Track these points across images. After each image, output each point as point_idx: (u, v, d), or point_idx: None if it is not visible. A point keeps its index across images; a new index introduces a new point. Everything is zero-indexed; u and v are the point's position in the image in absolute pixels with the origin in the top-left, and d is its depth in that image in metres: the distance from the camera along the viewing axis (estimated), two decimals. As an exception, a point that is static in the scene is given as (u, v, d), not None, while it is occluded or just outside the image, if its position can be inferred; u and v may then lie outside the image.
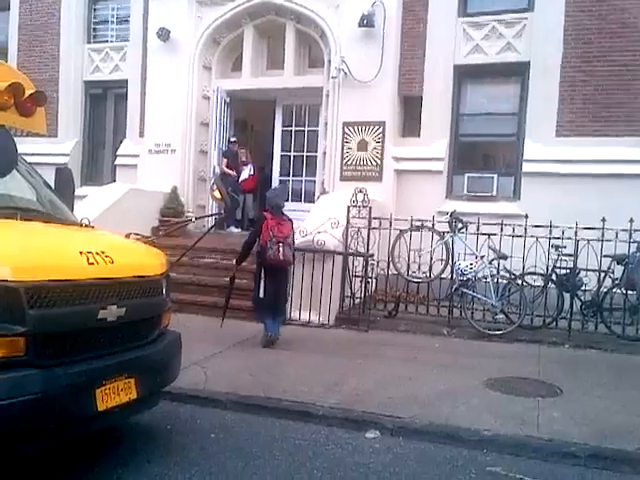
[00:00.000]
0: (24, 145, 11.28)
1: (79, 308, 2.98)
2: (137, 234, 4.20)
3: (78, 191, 11.66)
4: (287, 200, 6.96)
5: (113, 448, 3.86)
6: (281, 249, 6.47)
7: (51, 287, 2.83)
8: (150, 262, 3.69)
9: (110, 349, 3.22)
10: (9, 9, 13.03)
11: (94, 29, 12.78)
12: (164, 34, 10.95)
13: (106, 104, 12.79)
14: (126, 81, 12.10)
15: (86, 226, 4.05)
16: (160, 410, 4.15)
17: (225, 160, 11.10)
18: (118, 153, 12.18)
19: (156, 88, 11.28)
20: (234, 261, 7.15)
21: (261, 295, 6.64)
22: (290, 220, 6.85)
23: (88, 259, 3.09)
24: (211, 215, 7.47)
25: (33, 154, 10.78)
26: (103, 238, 3.78)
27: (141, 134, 11.72)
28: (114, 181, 11.79)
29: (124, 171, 11.91)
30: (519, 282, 7.62)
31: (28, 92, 4.08)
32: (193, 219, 5.95)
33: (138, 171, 11.53)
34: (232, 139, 11.34)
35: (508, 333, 7.37)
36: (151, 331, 3.62)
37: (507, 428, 4.35)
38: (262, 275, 6.67)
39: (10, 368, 2.66)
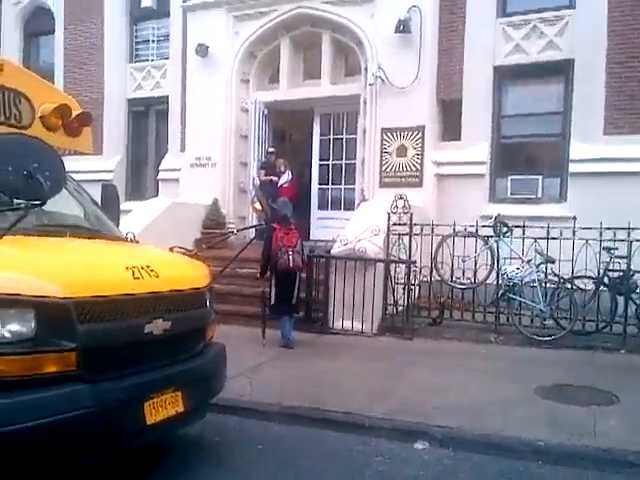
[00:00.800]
0: (70, 163, 11.69)
1: (126, 322, 3.03)
2: (180, 247, 4.24)
3: (123, 206, 11.93)
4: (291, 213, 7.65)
5: (163, 460, 3.90)
6: (291, 257, 7.01)
7: (99, 302, 2.88)
8: (194, 275, 3.72)
9: (157, 362, 3.25)
10: (54, 32, 13.56)
11: (136, 49, 13.18)
12: (202, 50, 11.17)
13: (148, 120, 13.12)
14: (167, 97, 12.40)
15: (131, 241, 4.13)
16: (208, 422, 4.17)
17: (263, 171, 11.16)
18: (160, 168, 12.46)
19: (196, 103, 11.49)
20: (257, 275, 7.50)
21: (273, 301, 7.19)
22: (297, 229, 7.39)
23: (134, 274, 3.13)
24: (252, 227, 7.54)
25: (79, 171, 11.20)
26: (148, 253, 3.85)
27: (182, 148, 11.95)
28: (157, 195, 12.05)
29: (166, 185, 12.16)
30: (568, 286, 7.37)
31: (75, 113, 4.21)
32: (235, 231, 5.98)
33: (180, 185, 11.75)
34: (270, 149, 11.41)
35: (558, 339, 7.14)
36: (197, 343, 3.64)
37: (562, 438, 4.19)
38: (274, 282, 7.21)
39: (62, 383, 2.71)
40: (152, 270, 3.27)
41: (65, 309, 2.74)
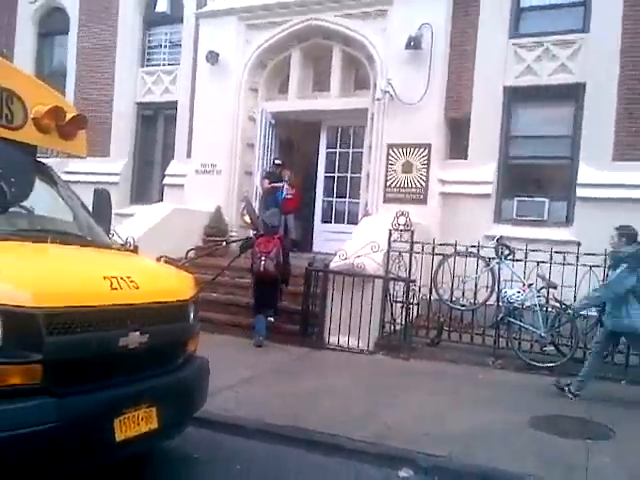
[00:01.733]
0: (76, 164, 11.66)
1: (100, 335, 2.93)
2: (168, 257, 4.15)
3: (127, 209, 12.10)
4: (279, 222, 8.52)
5: (135, 476, 3.78)
6: (263, 262, 7.51)
7: (71, 313, 2.79)
8: (177, 287, 3.62)
9: (131, 376, 3.14)
10: (68, 33, 13.63)
11: (148, 53, 13.21)
12: (213, 57, 11.17)
13: (156, 125, 13.12)
14: (176, 103, 12.40)
15: (129, 245, 4.05)
16: (189, 436, 4.06)
17: (266, 180, 11.06)
18: (166, 173, 12.44)
19: (204, 110, 11.48)
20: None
21: (253, 302, 7.87)
22: (280, 239, 7.84)
23: (112, 284, 3.04)
24: (242, 240, 7.58)
25: (85, 173, 11.33)
26: (131, 262, 3.76)
27: (188, 154, 11.93)
28: (162, 200, 12.03)
29: (171, 191, 12.13)
30: (570, 312, 7.20)
31: (69, 115, 4.15)
32: (224, 243, 5.89)
33: (185, 191, 11.72)
34: (277, 161, 11.34)
35: (558, 366, 6.96)
36: (176, 358, 3.54)
37: (552, 473, 4.05)
38: (253, 286, 7.92)
39: (26, 396, 2.61)
40: (132, 281, 3.18)
41: (34, 319, 2.64)
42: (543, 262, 7.29)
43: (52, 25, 14.16)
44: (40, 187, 3.98)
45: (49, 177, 4.20)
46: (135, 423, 3.10)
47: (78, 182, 8.98)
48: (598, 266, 6.98)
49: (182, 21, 12.41)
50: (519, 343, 7.34)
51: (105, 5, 13.17)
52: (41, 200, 3.95)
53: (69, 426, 2.71)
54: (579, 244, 7.23)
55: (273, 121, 11.47)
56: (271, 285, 7.71)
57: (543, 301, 7.35)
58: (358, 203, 10.85)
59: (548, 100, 9.70)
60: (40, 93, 4.07)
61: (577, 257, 7.14)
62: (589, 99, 9.09)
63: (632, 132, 8.80)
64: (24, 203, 3.47)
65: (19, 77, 3.99)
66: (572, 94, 9.38)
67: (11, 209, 3.36)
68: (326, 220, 11.46)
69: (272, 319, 7.86)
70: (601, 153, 8.90)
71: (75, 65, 13.49)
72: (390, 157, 10.01)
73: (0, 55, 4.17)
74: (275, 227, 7.91)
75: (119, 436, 2.99)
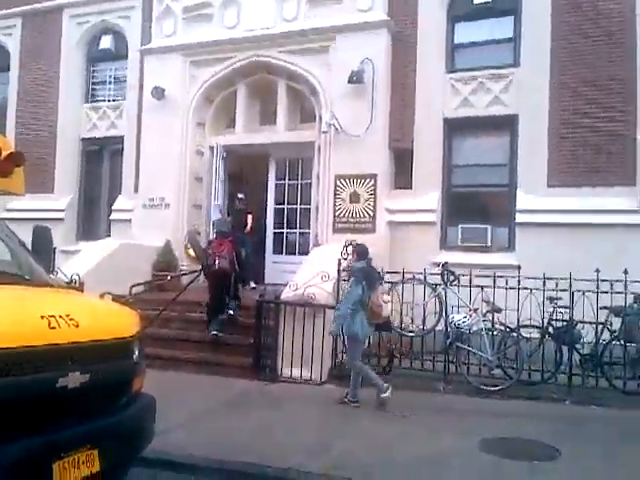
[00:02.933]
0: (18, 201, 11.33)
1: (36, 376, 2.83)
2: (113, 294, 4.08)
3: (74, 246, 11.78)
4: (228, 229, 9.20)
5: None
6: (217, 260, 8.20)
7: (5, 354, 2.70)
8: (120, 324, 3.56)
9: (72, 418, 3.04)
10: (9, 70, 13.39)
11: (92, 89, 13.11)
12: (158, 93, 11.18)
13: (102, 160, 12.95)
14: (122, 138, 12.31)
15: (74, 282, 3.95)
16: (134, 477, 3.93)
17: (230, 218, 10.79)
18: (113, 208, 12.26)
19: (150, 144, 11.43)
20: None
21: (209, 304, 8.45)
22: (231, 242, 8.61)
23: (50, 323, 2.97)
24: (185, 274, 7.59)
25: (27, 210, 11.03)
26: (71, 300, 3.67)
27: (136, 189, 11.80)
28: (109, 236, 11.79)
29: (119, 226, 11.93)
30: (514, 335, 7.42)
31: (5, 152, 4.07)
32: (169, 277, 5.83)
33: (132, 226, 11.54)
34: (240, 195, 11.07)
35: (505, 389, 7.13)
36: (119, 397, 3.45)
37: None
38: (209, 288, 8.51)
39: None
40: (72, 319, 3.11)
41: (-36, 362, 2.55)
42: (487, 287, 7.50)
43: (-8, 61, 13.91)
44: (-26, 226, 3.88)
45: (-16, 216, 4.09)
46: (75, 467, 2.99)
47: (21, 219, 8.71)
48: (538, 289, 7.26)
49: (126, 57, 12.43)
50: (468, 368, 7.48)
51: (47, 42, 13.05)
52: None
53: (4, 473, 2.59)
54: (519, 268, 7.49)
55: (225, 154, 11.44)
56: (228, 282, 8.37)
57: (489, 325, 7.54)
58: (309, 234, 10.93)
59: (485, 131, 10.17)
60: (-25, 131, 3.99)
61: (518, 280, 7.37)
62: (523, 129, 9.55)
63: (563, 160, 9.28)
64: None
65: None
66: (507, 125, 9.85)
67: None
68: (277, 251, 11.48)
69: (232, 312, 8.43)
70: (536, 180, 9.33)
71: (16, 102, 13.25)
72: (338, 188, 10.18)
73: None
74: (224, 233, 8.76)
75: (58, 482, 2.88)
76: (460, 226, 9.92)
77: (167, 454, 4.62)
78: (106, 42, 12.54)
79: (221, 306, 8.43)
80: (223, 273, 8.28)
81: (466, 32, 10.28)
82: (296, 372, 7.60)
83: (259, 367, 7.87)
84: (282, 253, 11.48)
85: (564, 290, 7.16)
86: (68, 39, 12.88)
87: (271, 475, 4.48)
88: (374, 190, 10.00)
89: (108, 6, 12.56)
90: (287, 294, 7.90)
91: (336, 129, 10.04)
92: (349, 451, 4.96)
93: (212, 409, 6.20)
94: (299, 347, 7.56)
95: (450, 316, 7.62)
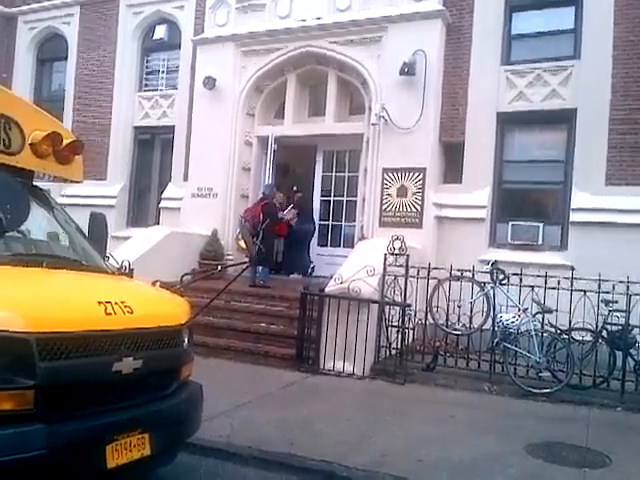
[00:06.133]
0: (73, 187, 11.64)
1: (93, 360, 2.91)
2: (163, 282, 4.15)
3: (124, 232, 12.10)
4: (268, 192, 10.42)
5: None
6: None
7: (64, 338, 2.78)
8: (172, 312, 3.61)
9: (124, 402, 3.11)
10: (67, 59, 13.80)
11: (145, 78, 13.35)
12: (210, 83, 11.30)
13: (153, 149, 13.21)
14: (173, 127, 12.49)
15: (124, 268, 4.02)
16: (181, 463, 4.00)
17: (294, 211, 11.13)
18: (163, 196, 12.47)
19: (200, 134, 11.57)
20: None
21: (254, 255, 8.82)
22: (263, 205, 9.99)
23: (106, 309, 3.03)
24: (237, 264, 7.62)
25: (81, 196, 11.37)
26: (125, 287, 3.75)
27: (185, 178, 11.98)
28: (158, 223, 12.04)
29: (168, 214, 12.15)
30: (566, 338, 7.19)
31: (66, 141, 4.18)
32: (219, 268, 5.88)
33: (181, 214, 11.74)
34: (294, 188, 11.45)
35: (554, 393, 6.92)
36: (169, 384, 3.51)
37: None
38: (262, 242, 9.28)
39: (16, 422, 2.58)
40: (127, 306, 3.17)
41: (27, 344, 2.63)
42: (538, 287, 7.30)
43: (51, 51, 14.37)
44: (36, 212, 4.00)
45: (45, 202, 4.21)
46: (127, 450, 3.06)
47: (75, 205, 8.99)
48: (592, 291, 7.01)
49: (179, 47, 12.58)
50: (515, 369, 7.31)
51: (104, 32, 13.36)
52: (37, 225, 3.96)
53: (59, 453, 2.67)
54: (573, 268, 7.25)
55: (275, 145, 11.43)
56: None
57: (539, 326, 7.34)
58: (354, 226, 10.89)
59: (541, 125, 9.86)
60: (38, 119, 4.10)
61: (571, 281, 7.15)
62: (581, 124, 9.20)
63: (625, 157, 8.90)
64: (20, 228, 3.48)
65: (17, 103, 4.04)
66: (564, 120, 9.51)
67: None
68: (322, 243, 11.48)
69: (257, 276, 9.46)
70: (594, 178, 8.98)
71: (73, 90, 13.63)
72: (385, 181, 10.08)
73: (-1, 81, 4.22)
74: (263, 194, 10.27)
75: (110, 463, 2.95)
76: (510, 223, 9.67)
77: (209, 441, 4.68)
78: (160, 32, 12.73)
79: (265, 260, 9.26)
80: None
81: (524, 23, 9.97)
82: (338, 365, 7.60)
83: (301, 358, 7.90)
84: (327, 245, 11.48)
85: (620, 294, 6.89)
86: (124, 29, 13.14)
87: (313, 468, 4.47)
88: (422, 184, 9.85)
89: (164, -4, 12.74)
90: (332, 287, 7.89)
91: (385, 121, 9.92)
92: (391, 448, 4.90)
93: (253, 398, 6.24)
94: (342, 340, 7.55)
95: (498, 315, 7.45)
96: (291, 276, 10.91)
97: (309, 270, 10.98)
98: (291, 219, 11.04)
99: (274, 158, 11.52)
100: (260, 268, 9.65)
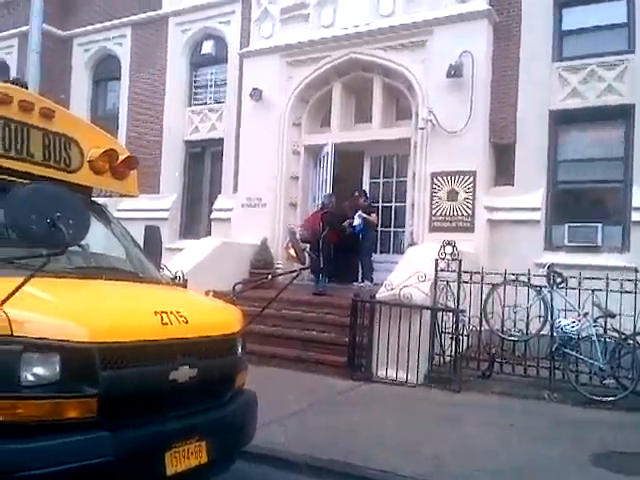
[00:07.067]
0: (128, 201, 12.00)
1: (150, 369, 2.97)
2: (216, 291, 4.22)
3: (177, 244, 12.35)
4: (328, 202, 10.43)
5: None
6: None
7: (124, 348, 2.85)
8: (225, 320, 3.66)
9: (181, 411, 3.16)
10: (120, 78, 14.34)
11: (194, 93, 13.71)
12: (256, 94, 11.49)
13: (204, 161, 13.51)
14: (222, 139, 12.76)
15: (179, 279, 4.11)
16: (235, 470, 4.03)
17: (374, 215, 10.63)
18: (214, 207, 12.72)
19: (249, 145, 11.76)
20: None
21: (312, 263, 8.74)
22: (323, 214, 10.10)
23: (162, 319, 3.10)
24: (287, 273, 7.67)
25: (136, 210, 11.71)
26: (180, 297, 3.83)
27: (235, 189, 12.19)
28: (210, 234, 12.27)
29: (219, 225, 12.38)
30: (630, 343, 6.87)
31: (121, 157, 4.33)
32: (269, 277, 5.93)
33: (231, 224, 11.94)
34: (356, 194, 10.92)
35: (619, 400, 6.62)
36: (224, 392, 3.55)
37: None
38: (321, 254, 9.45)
39: (81, 430, 2.66)
40: (182, 315, 3.23)
41: (90, 354, 2.71)
42: (599, 290, 7.02)
43: (105, 71, 14.95)
44: (95, 226, 4.14)
45: (103, 216, 4.37)
46: (185, 457, 3.10)
47: (130, 219, 9.25)
48: (658, 294, 6.69)
49: (226, 61, 12.86)
50: (576, 375, 7.04)
51: (154, 51, 13.80)
52: (96, 238, 4.10)
53: (123, 460, 2.73)
54: (637, 270, 6.93)
55: (328, 153, 11.16)
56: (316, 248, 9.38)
57: (601, 331, 7.04)
58: (403, 232, 10.79)
59: (596, 123, 9.52)
60: (95, 136, 4.26)
61: (635, 284, 6.84)
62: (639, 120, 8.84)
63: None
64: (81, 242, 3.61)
65: (75, 122, 4.21)
66: (621, 116, 9.18)
67: (68, 248, 3.51)
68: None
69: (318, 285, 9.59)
70: (656, 175, 8.60)
71: (127, 108, 14.13)
72: (434, 185, 9.95)
73: (57, 101, 4.40)
74: (322, 204, 10.39)
75: (170, 470, 3.00)
76: (567, 225, 9.37)
77: (263, 448, 4.70)
78: (207, 47, 13.05)
79: (322, 268, 9.44)
80: (306, 241, 9.19)
81: (575, 18, 9.72)
82: (391, 373, 7.51)
83: (353, 366, 7.86)
84: (376, 252, 11.38)
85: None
86: (173, 46, 13.54)
87: (369, 478, 4.43)
88: (473, 187, 9.68)
89: (210, 12, 13.05)
90: (383, 294, 7.82)
91: (433, 125, 9.82)
92: (449, 457, 4.80)
93: (306, 406, 6.24)
94: (395, 348, 7.46)
95: (557, 320, 7.20)
96: (361, 284, 10.28)
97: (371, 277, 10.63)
98: (373, 221, 10.58)
99: (333, 167, 11.19)
100: (320, 276, 9.78)
